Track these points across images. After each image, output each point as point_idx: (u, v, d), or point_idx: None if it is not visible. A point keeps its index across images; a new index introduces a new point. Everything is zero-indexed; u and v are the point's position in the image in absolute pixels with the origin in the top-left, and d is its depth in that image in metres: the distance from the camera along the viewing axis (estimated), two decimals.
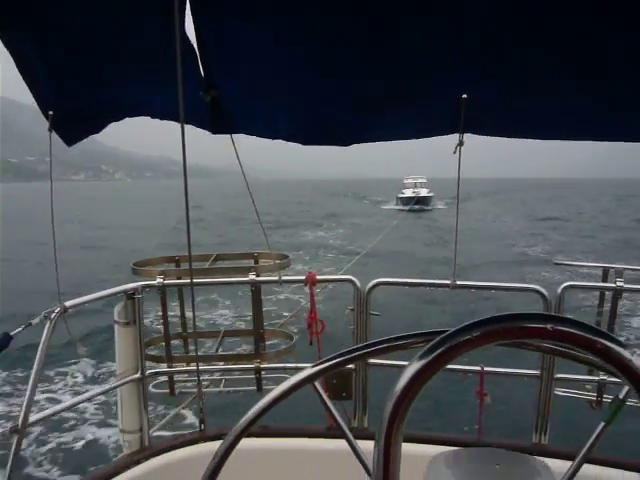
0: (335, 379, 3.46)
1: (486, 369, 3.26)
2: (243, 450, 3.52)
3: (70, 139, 2.90)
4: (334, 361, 1.20)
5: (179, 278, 3.56)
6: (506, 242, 36.86)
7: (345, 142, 2.93)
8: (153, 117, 2.88)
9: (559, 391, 3.32)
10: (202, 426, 3.45)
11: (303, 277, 3.47)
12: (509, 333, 0.80)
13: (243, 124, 2.87)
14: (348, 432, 1.28)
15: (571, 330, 0.78)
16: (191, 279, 3.09)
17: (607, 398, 3.34)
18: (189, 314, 3.39)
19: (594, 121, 2.58)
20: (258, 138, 2.94)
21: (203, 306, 18.59)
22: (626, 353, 0.76)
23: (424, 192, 73.84)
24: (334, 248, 34.75)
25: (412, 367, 0.84)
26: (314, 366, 1.22)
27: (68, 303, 3.07)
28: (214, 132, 2.84)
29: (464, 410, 9.97)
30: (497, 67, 2.35)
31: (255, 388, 3.61)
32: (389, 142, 3.04)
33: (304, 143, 2.92)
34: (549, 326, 0.78)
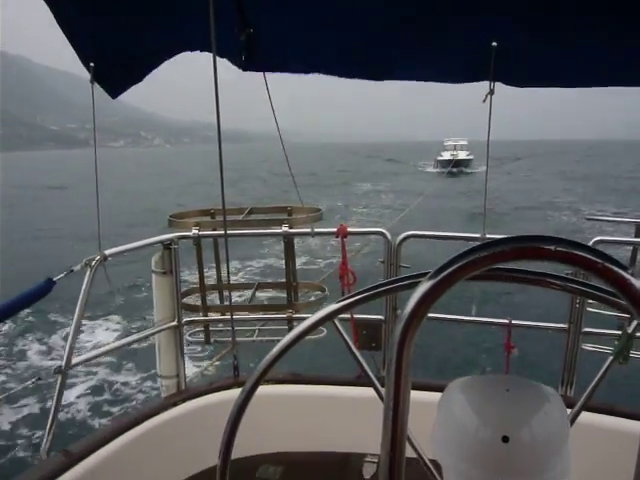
0: (365, 330, 3.53)
1: (514, 322, 3.28)
2: (275, 396, 3.64)
3: (113, 90, 2.95)
4: (358, 297, 1.21)
5: (214, 230, 3.65)
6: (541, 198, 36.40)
7: (378, 76, 2.94)
8: (191, 50, 2.90)
9: (587, 346, 3.32)
10: (236, 373, 3.57)
11: (335, 229, 3.51)
12: (513, 254, 0.82)
13: (276, 61, 2.89)
14: (373, 378, 1.30)
15: (574, 251, 0.79)
16: (225, 230, 3.17)
17: (635, 353, 3.34)
18: (225, 268, 3.48)
19: (633, 66, 2.53)
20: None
21: (238, 259, 18.89)
22: (626, 275, 0.77)
23: (462, 155, 72.52)
24: (368, 213, 34.70)
25: (421, 288, 0.86)
26: (338, 302, 1.22)
27: (108, 252, 3.18)
28: (245, 69, 2.85)
29: (492, 364, 10.04)
30: (529, 15, 2.31)
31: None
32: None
33: (339, 75, 2.93)
34: (553, 247, 0.80)
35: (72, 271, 3.05)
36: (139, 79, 3.00)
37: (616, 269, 0.78)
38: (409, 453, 1.34)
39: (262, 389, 3.37)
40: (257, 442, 3.57)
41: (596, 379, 1.32)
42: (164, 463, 3.26)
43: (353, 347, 1.35)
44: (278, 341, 1.22)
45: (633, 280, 0.77)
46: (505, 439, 0.95)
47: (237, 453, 3.67)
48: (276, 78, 3.03)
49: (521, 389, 1.05)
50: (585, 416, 3.22)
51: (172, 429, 3.35)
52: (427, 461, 1.27)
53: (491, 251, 0.83)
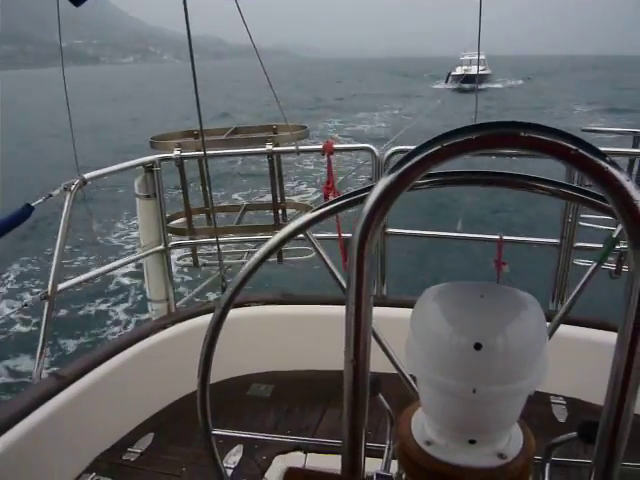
0: None
1: (505, 237, 3.20)
2: (266, 316, 3.65)
3: None
4: (330, 207, 1.14)
5: (198, 151, 3.55)
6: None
7: None
8: None
9: (578, 261, 3.27)
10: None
11: (320, 146, 3.39)
12: (480, 142, 0.75)
13: None
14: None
15: (545, 137, 0.72)
16: (204, 150, 3.07)
17: (627, 268, 3.27)
18: (214, 193, 3.41)
19: None
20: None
21: (226, 183, 18.78)
22: (604, 162, 0.71)
23: (475, 69, 69.85)
24: (371, 132, 34.20)
25: (381, 182, 0.81)
26: (313, 211, 1.15)
27: (87, 175, 3.11)
28: None
29: (482, 280, 9.99)
30: None
31: (276, 259, 3.68)
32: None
33: None
34: (523, 133, 0.73)
35: (51, 196, 2.99)
36: None
37: (592, 156, 0.71)
38: (390, 369, 1.32)
39: (252, 310, 3.37)
40: (248, 362, 3.62)
41: (579, 286, 1.27)
42: (155, 384, 3.32)
43: (329, 262, 1.30)
44: (266, 263, 1.18)
45: (611, 168, 0.71)
46: (478, 346, 0.91)
47: (229, 373, 3.74)
48: None
49: (497, 295, 1.00)
50: (574, 330, 3.22)
51: (162, 351, 3.39)
52: (407, 376, 1.26)
53: (456, 140, 0.76)
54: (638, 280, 0.77)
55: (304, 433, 3.14)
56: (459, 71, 70.10)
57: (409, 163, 0.78)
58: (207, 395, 1.24)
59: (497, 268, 3.21)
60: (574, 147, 0.71)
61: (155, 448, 3.09)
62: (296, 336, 3.55)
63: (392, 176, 0.80)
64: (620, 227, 1.12)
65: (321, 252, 1.28)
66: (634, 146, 3.30)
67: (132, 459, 2.99)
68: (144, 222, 3.50)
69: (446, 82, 72.08)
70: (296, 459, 2.92)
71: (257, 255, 1.15)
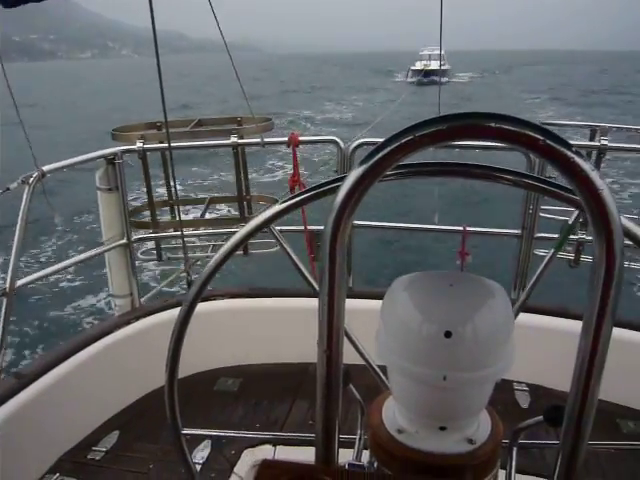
0: (320, 241, 3.47)
1: (468, 229, 3.24)
2: (232, 310, 3.62)
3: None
4: (293, 200, 1.13)
5: (161, 143, 3.49)
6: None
7: None
8: None
9: (539, 251, 3.34)
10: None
11: (285, 139, 3.37)
12: (451, 132, 0.76)
13: None
14: (315, 285, 1.23)
15: (514, 128, 0.73)
16: (168, 142, 3.02)
17: (585, 258, 3.36)
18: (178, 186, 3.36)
19: None
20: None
21: (191, 175, 18.55)
22: (570, 152, 0.72)
23: (436, 64, 70.89)
24: (336, 123, 34.33)
25: (353, 173, 0.81)
26: (280, 204, 1.14)
27: (46, 168, 3.03)
28: None
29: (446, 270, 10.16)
30: None
31: (242, 252, 3.65)
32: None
33: None
34: (493, 124, 0.73)
35: (8, 189, 2.91)
36: None
37: (559, 147, 0.73)
38: (358, 361, 1.32)
39: (218, 303, 3.33)
40: (215, 356, 3.59)
41: (537, 273, 1.29)
42: (120, 381, 3.27)
43: (293, 256, 1.29)
44: (232, 256, 1.16)
45: (577, 158, 0.72)
46: (448, 334, 0.92)
47: (195, 368, 3.70)
48: None
49: (465, 284, 1.02)
50: (536, 318, 3.28)
51: (126, 347, 3.34)
52: (375, 366, 1.27)
53: (427, 130, 0.76)
54: (602, 268, 0.78)
55: (273, 426, 3.13)
56: (418, 66, 71.15)
57: (380, 154, 0.79)
58: (175, 392, 1.22)
59: (461, 258, 3.25)
60: (542, 138, 0.72)
61: (121, 446, 3.03)
62: (263, 329, 3.53)
63: (363, 167, 0.80)
64: (575, 216, 1.15)
65: (285, 246, 1.28)
66: (591, 139, 3.38)
67: (97, 458, 2.94)
68: (106, 216, 3.43)
69: (407, 77, 72.89)
70: (265, 452, 2.91)
71: (224, 249, 1.14)
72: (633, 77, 78.44)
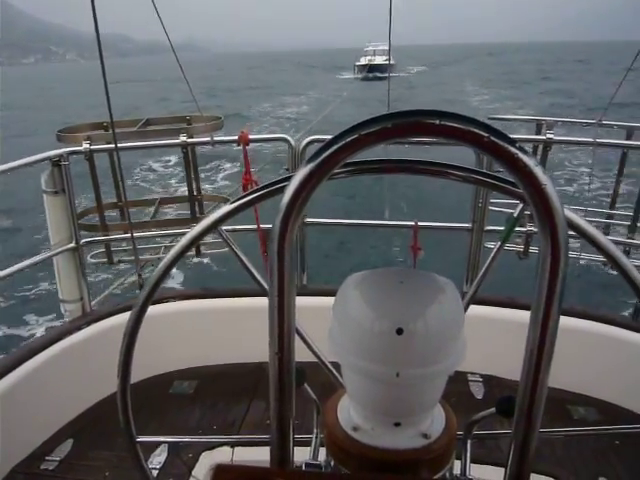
0: None
1: (420, 224, 3.28)
2: (186, 312, 3.56)
3: None
4: (251, 197, 1.11)
5: (108, 144, 3.42)
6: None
7: None
8: None
9: (489, 244, 3.41)
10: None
11: (235, 137, 3.35)
12: (396, 130, 0.76)
13: None
14: (264, 284, 1.25)
15: (459, 125, 0.74)
16: (115, 143, 2.97)
17: (534, 249, 3.44)
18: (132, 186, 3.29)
19: None
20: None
21: (141, 175, 18.26)
22: (514, 148, 0.73)
23: (380, 59, 71.62)
24: (283, 120, 34.37)
25: (300, 173, 0.81)
26: (231, 203, 1.13)
27: None
28: None
29: (398, 265, 10.30)
30: None
31: (194, 253, 3.61)
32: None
33: None
34: (437, 121, 0.74)
35: None
36: None
37: (503, 143, 0.73)
38: (311, 358, 1.31)
39: (171, 305, 3.27)
40: (169, 359, 3.54)
41: (485, 266, 1.30)
42: (72, 388, 3.19)
43: (241, 256, 1.27)
44: (184, 257, 1.13)
45: (521, 154, 0.73)
46: (399, 331, 0.93)
47: (150, 372, 3.63)
48: None
49: (416, 280, 1.02)
50: (487, 309, 3.35)
51: (78, 353, 3.26)
52: (328, 364, 1.26)
53: (372, 128, 0.76)
54: (547, 261, 0.80)
55: (230, 427, 3.11)
56: (363, 61, 71.77)
57: (327, 152, 0.79)
58: (128, 398, 1.20)
59: (413, 253, 3.28)
60: (486, 134, 0.73)
61: (75, 454, 2.96)
62: (217, 330, 3.50)
63: (310, 166, 0.80)
64: (520, 208, 1.18)
65: (233, 246, 1.26)
66: (537, 133, 3.47)
67: (51, 468, 2.86)
68: (53, 219, 3.34)
69: (353, 73, 73.57)
70: (223, 454, 2.88)
71: (172, 252, 1.12)
72: (569, 66, 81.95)
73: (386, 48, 76.45)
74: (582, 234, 0.99)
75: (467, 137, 0.74)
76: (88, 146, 3.27)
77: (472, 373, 3.45)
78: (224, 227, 1.15)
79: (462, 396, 3.25)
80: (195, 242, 1.13)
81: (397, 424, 1.05)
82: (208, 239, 3.61)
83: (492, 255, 1.28)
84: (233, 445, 2.91)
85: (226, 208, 1.12)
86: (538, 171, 0.74)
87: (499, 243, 1.27)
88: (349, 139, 0.77)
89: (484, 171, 1.08)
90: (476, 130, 0.74)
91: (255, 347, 3.41)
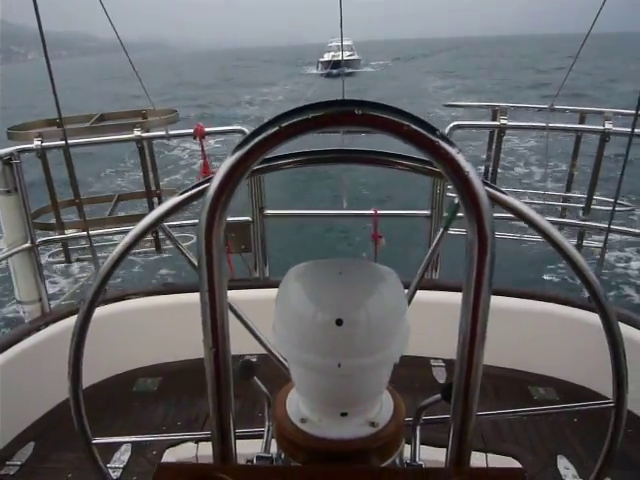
0: (234, 232, 3.44)
1: (380, 212, 3.29)
2: (147, 309, 3.52)
3: None
4: (198, 189, 1.09)
5: (62, 140, 3.36)
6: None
7: None
8: None
9: (453, 230, 3.43)
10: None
11: (191, 130, 3.31)
12: (317, 121, 0.76)
13: None
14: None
15: (379, 114, 0.74)
16: (65, 139, 2.92)
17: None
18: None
19: None
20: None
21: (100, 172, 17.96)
22: (434, 137, 0.74)
23: (344, 55, 71.40)
24: (245, 117, 34.25)
25: (226, 162, 0.80)
26: (178, 195, 1.11)
27: None
28: None
29: (360, 254, 10.48)
30: None
31: (154, 249, 3.57)
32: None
33: None
34: (357, 111, 0.74)
35: None
36: None
37: (424, 131, 0.74)
38: (259, 350, 1.31)
39: (132, 302, 3.23)
40: (133, 357, 3.50)
41: (429, 252, 1.32)
42: (32, 391, 3.13)
43: (184, 250, 1.26)
44: (145, 253, 1.11)
45: (442, 142, 0.74)
46: (339, 322, 0.92)
47: (113, 370, 3.58)
48: None
49: (355, 271, 1.02)
50: (444, 295, 3.37)
51: (38, 355, 3.20)
52: (278, 356, 1.26)
53: (292, 120, 0.76)
54: (475, 246, 0.81)
55: (194, 423, 3.08)
56: (327, 57, 71.60)
57: (248, 146, 0.78)
58: (81, 398, 1.19)
59: (374, 242, 3.30)
60: (406, 123, 0.73)
61: (37, 458, 2.91)
62: (180, 325, 3.46)
63: (232, 159, 0.80)
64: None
65: (179, 244, 1.26)
66: (493, 119, 3.50)
67: (12, 472, 2.81)
68: (7, 219, 3.26)
69: (317, 69, 73.44)
70: (187, 450, 2.86)
71: (119, 247, 1.10)
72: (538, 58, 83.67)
73: (350, 43, 76.82)
74: (520, 216, 1.00)
75: (388, 126, 0.74)
76: (40, 143, 3.21)
77: (435, 358, 3.48)
78: (179, 222, 1.13)
79: (425, 381, 3.28)
80: (141, 237, 1.11)
81: (344, 414, 1.05)
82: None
83: (435, 241, 1.31)
84: (197, 441, 2.89)
85: (174, 200, 1.10)
86: (460, 158, 0.75)
87: (442, 229, 1.28)
88: (270, 132, 0.77)
89: (423, 158, 1.07)
90: (396, 119, 0.74)
91: None
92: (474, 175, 0.76)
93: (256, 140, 0.78)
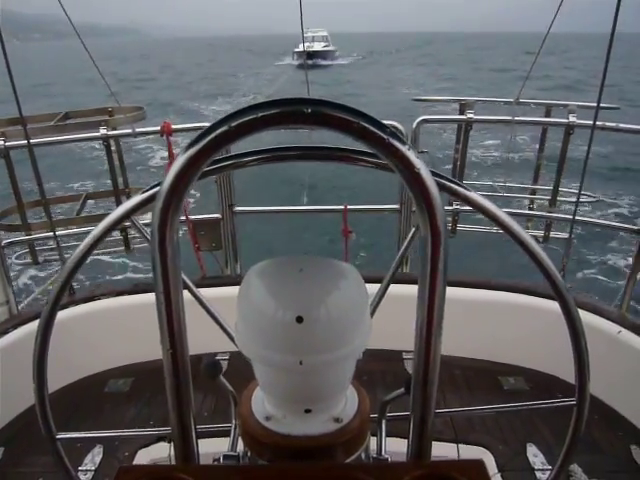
0: (203, 230, 3.42)
1: (349, 207, 3.29)
2: (116, 309, 3.48)
3: None
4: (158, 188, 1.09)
5: (26, 139, 3.30)
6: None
7: None
8: None
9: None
10: (71, 291, 3.37)
11: (158, 128, 3.27)
12: (267, 120, 0.75)
13: None
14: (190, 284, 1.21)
15: (329, 112, 0.73)
16: (27, 138, 2.87)
17: (461, 227, 3.49)
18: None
19: None
20: None
21: (65, 174, 17.68)
22: (384, 134, 0.73)
23: (319, 46, 70.95)
24: (218, 112, 33.91)
25: (177, 162, 0.79)
26: (142, 193, 1.08)
27: None
28: None
29: (330, 249, 10.51)
30: None
31: (123, 248, 3.54)
32: None
33: None
34: (307, 109, 0.73)
35: None
36: None
37: (374, 129, 0.73)
38: (232, 348, 1.30)
39: (102, 303, 3.19)
40: (104, 358, 3.48)
41: (403, 247, 1.31)
42: (1, 394, 3.10)
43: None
44: (114, 253, 1.09)
45: (392, 139, 0.73)
46: (299, 319, 0.92)
47: (83, 372, 3.55)
48: None
49: (315, 268, 1.02)
50: (414, 288, 3.39)
51: (6, 358, 3.16)
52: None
53: (242, 119, 0.75)
54: (428, 240, 0.82)
55: (167, 422, 3.07)
56: (302, 48, 71.25)
57: (199, 145, 0.77)
58: (46, 400, 1.17)
59: (344, 237, 3.30)
60: (356, 120, 0.73)
61: (7, 463, 2.89)
62: (150, 325, 3.42)
63: (183, 159, 0.78)
64: None
65: (148, 237, 1.23)
66: (461, 113, 3.49)
67: None
68: None
69: (293, 59, 72.93)
70: (160, 450, 2.85)
71: (81, 247, 1.07)
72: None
73: (326, 34, 76.20)
74: (479, 209, 1.01)
75: (338, 124, 0.74)
76: (2, 143, 3.15)
77: (406, 351, 3.50)
78: (148, 220, 1.11)
79: (397, 374, 3.31)
80: (104, 236, 1.09)
81: (308, 411, 1.05)
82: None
83: (409, 238, 1.29)
84: (171, 440, 2.88)
85: (138, 198, 1.08)
86: (410, 155, 0.75)
87: (413, 229, 1.28)
88: (219, 131, 0.76)
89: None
90: (346, 116, 0.73)
91: (191, 339, 3.40)
92: (425, 171, 0.77)
93: (206, 140, 0.77)
